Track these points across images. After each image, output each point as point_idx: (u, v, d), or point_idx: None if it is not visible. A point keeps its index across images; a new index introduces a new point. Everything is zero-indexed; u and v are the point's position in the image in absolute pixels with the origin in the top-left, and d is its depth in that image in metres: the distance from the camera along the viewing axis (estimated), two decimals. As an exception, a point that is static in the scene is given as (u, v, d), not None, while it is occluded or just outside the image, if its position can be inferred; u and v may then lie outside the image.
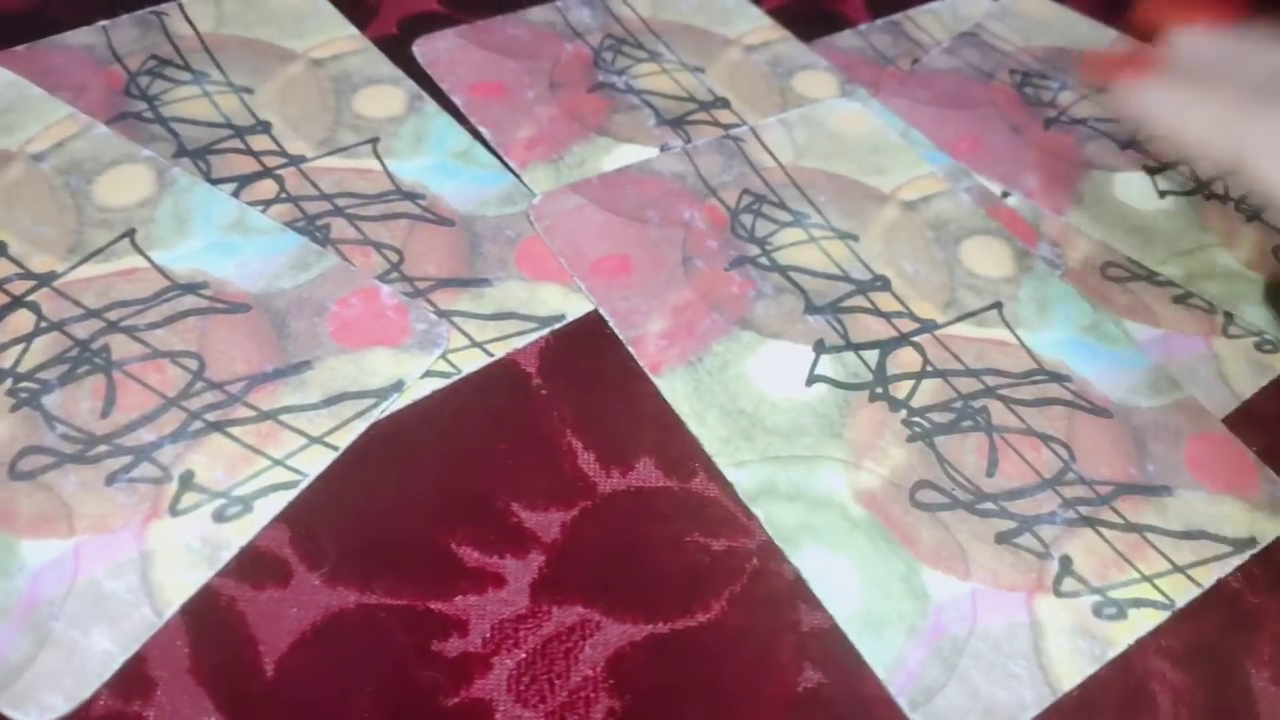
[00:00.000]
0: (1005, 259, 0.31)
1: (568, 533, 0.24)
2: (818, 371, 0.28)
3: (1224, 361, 0.30)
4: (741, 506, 0.25)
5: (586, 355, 0.27)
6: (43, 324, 0.25)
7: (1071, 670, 0.24)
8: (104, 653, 0.21)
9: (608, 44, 0.35)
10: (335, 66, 0.33)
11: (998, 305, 0.30)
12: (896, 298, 0.30)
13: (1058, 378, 0.29)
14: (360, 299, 0.27)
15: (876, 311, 0.29)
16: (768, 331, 0.28)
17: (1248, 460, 0.28)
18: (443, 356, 0.26)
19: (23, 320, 0.25)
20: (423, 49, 0.34)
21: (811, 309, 0.29)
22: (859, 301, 0.29)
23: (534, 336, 0.27)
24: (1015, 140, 0.35)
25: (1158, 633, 0.24)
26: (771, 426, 0.26)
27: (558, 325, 0.28)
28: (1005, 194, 0.30)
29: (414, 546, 0.23)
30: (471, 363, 0.26)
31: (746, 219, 0.31)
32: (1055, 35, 0.40)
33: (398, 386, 0.25)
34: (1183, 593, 0.25)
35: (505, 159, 0.31)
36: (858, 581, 0.24)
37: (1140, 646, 0.24)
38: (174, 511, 0.23)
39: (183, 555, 0.22)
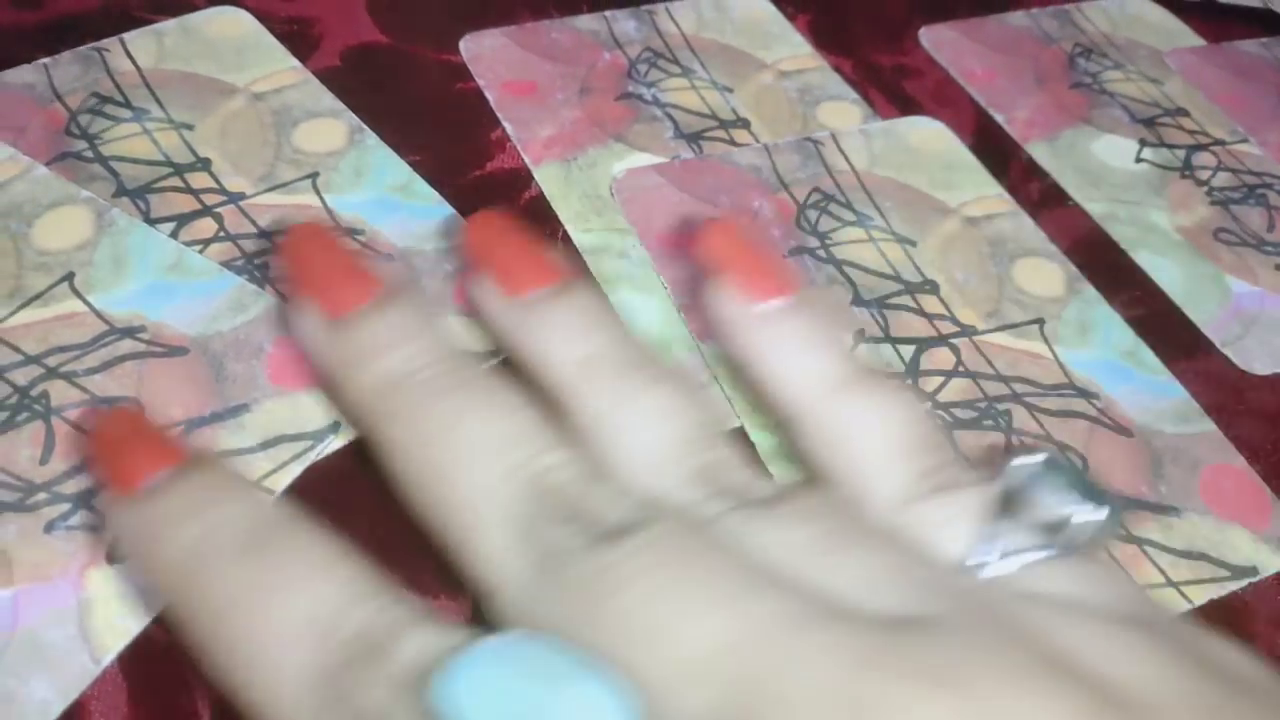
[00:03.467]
0: (1057, 281, 0.33)
1: None
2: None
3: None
4: None
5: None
6: None
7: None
8: (42, 701, 0.22)
9: (644, 56, 0.37)
10: (276, 100, 0.33)
11: (1040, 321, 0.31)
12: (942, 302, 0.31)
13: (1086, 394, 0.30)
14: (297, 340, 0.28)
15: (920, 311, 0.31)
16: (813, 316, 0.30)
17: (1264, 495, 0.28)
18: None
19: None
20: (468, 45, 0.37)
21: (859, 301, 0.31)
22: (905, 301, 0.31)
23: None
24: (1031, 86, 0.38)
25: None
26: (800, 399, 0.29)
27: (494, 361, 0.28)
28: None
29: None
30: None
31: (812, 214, 0.33)
32: (1145, 33, 0.42)
33: (334, 428, 0.26)
34: (1171, 607, 0.26)
35: (523, 155, 0.33)
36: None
37: None
38: (111, 559, 0.24)
39: (119, 603, 0.23)
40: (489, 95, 0.35)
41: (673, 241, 0.32)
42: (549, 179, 0.33)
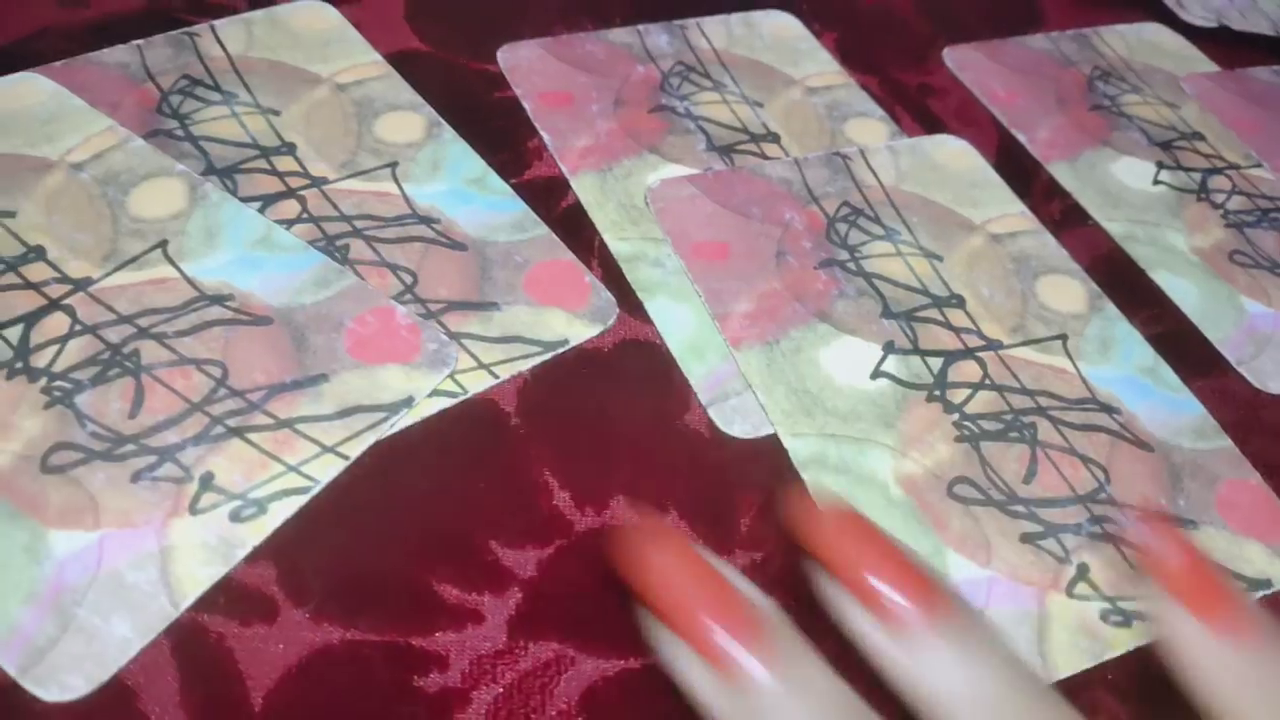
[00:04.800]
0: (1079, 298, 0.33)
1: (544, 570, 0.26)
2: (883, 368, 0.30)
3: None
4: (712, 543, 0.26)
5: (562, 395, 0.29)
6: (77, 327, 0.27)
7: (1068, 662, 0.26)
8: (123, 639, 0.23)
9: (677, 70, 0.38)
10: (358, 91, 0.35)
11: (1063, 337, 0.32)
12: (969, 316, 0.32)
13: (1108, 409, 0.31)
14: (376, 317, 0.29)
15: (947, 325, 0.32)
16: (844, 327, 0.31)
17: (1278, 511, 0.29)
18: (450, 376, 0.28)
19: (59, 323, 0.27)
20: (505, 55, 0.37)
21: (888, 314, 0.32)
22: (933, 314, 0.32)
23: (537, 360, 0.29)
24: (1052, 107, 0.40)
25: (1105, 666, 0.26)
26: (831, 408, 0.29)
27: (561, 350, 0.29)
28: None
29: (396, 583, 0.25)
30: (478, 383, 0.28)
31: (841, 227, 0.34)
32: (1161, 58, 0.43)
33: (408, 402, 0.27)
34: (1190, 615, 0.27)
35: (560, 164, 0.34)
36: (886, 551, 0.27)
37: (1086, 679, 0.26)
38: (194, 510, 0.25)
39: (200, 552, 0.24)
40: (526, 104, 0.36)
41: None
42: (586, 188, 0.34)
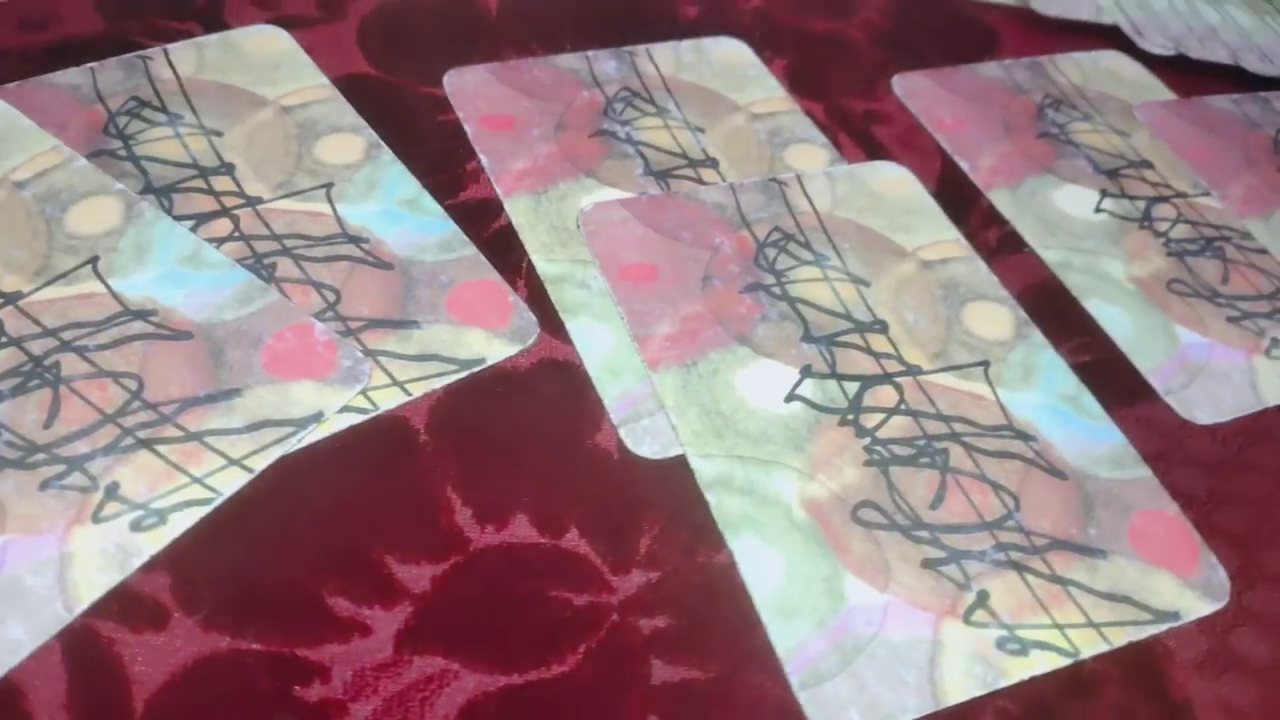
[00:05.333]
0: (1006, 325, 0.33)
1: (437, 585, 0.26)
2: (798, 392, 0.31)
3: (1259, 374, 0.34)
4: (609, 563, 0.27)
5: (474, 413, 0.29)
6: (2, 339, 0.28)
7: (958, 689, 0.26)
8: (15, 641, 0.24)
9: (621, 95, 0.39)
10: (303, 113, 0.36)
11: (985, 364, 0.32)
12: (890, 341, 0.32)
13: (1024, 436, 0.31)
14: (294, 334, 0.29)
15: (868, 350, 0.32)
16: (763, 350, 0.32)
17: (1192, 542, 0.29)
18: (363, 393, 0.29)
19: None
20: (451, 79, 0.38)
21: (808, 338, 0.32)
22: (854, 339, 0.32)
23: (452, 379, 0.29)
24: (999, 135, 0.40)
25: (998, 694, 0.26)
26: (742, 430, 0.30)
27: (477, 368, 0.30)
28: None
29: (288, 595, 0.25)
30: (390, 400, 0.29)
31: (770, 252, 0.34)
32: (1117, 86, 0.43)
33: (317, 417, 0.28)
34: (1089, 646, 0.27)
35: (496, 186, 0.35)
36: (783, 573, 0.27)
37: (978, 705, 0.26)
38: (96, 519, 0.26)
39: (98, 559, 0.25)
40: (467, 128, 0.37)
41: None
42: (518, 210, 0.34)
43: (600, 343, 0.31)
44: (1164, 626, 0.27)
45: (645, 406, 0.30)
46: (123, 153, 0.34)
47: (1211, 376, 0.34)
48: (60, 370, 0.28)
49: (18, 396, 0.27)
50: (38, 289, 0.30)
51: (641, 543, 0.27)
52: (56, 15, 0.38)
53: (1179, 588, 0.28)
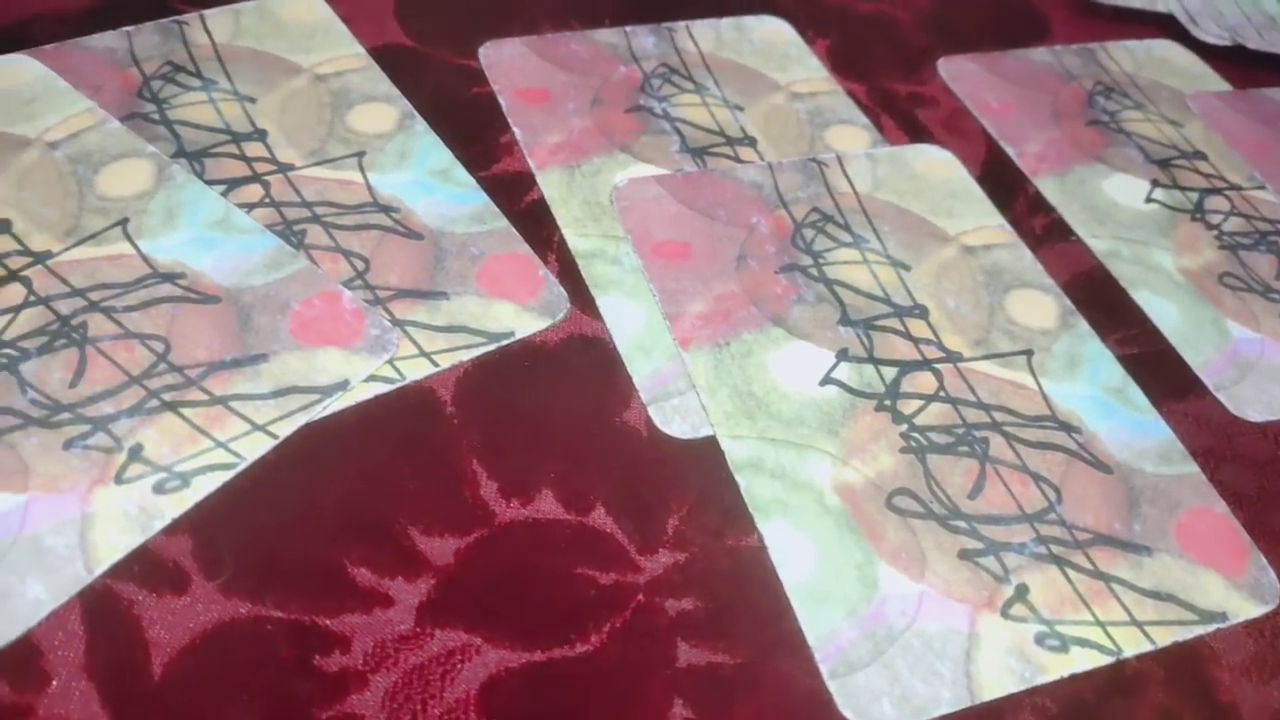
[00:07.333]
0: (1050, 314, 0.32)
1: (461, 559, 0.25)
2: (834, 375, 0.30)
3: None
4: (636, 542, 0.26)
5: (501, 386, 0.29)
6: (31, 298, 0.28)
7: (996, 684, 0.25)
8: (35, 600, 0.23)
9: (659, 71, 0.38)
10: (337, 82, 0.35)
11: (1028, 353, 0.31)
12: (930, 327, 0.31)
13: (1067, 428, 0.30)
14: (322, 301, 0.29)
15: (907, 335, 0.31)
16: (798, 332, 0.31)
17: (1241, 542, 0.28)
18: (389, 362, 0.28)
19: (14, 293, 0.28)
20: (487, 51, 0.38)
21: (845, 321, 0.31)
22: (893, 323, 0.31)
23: (480, 351, 0.29)
24: (1047, 121, 0.39)
25: (1036, 691, 0.25)
26: (775, 412, 0.29)
27: (505, 342, 0.29)
28: None
29: (309, 563, 0.25)
30: (417, 371, 0.28)
31: (808, 233, 0.33)
32: (1170, 75, 0.42)
33: (343, 385, 0.27)
34: (1132, 645, 0.26)
35: (529, 159, 0.34)
36: (814, 558, 0.26)
37: (1015, 701, 0.25)
38: (119, 480, 0.25)
39: (120, 520, 0.25)
40: (502, 100, 0.36)
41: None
42: (551, 183, 0.34)
43: (631, 320, 0.31)
44: (1210, 627, 0.26)
45: (675, 385, 0.29)
46: (156, 116, 0.33)
47: (1264, 373, 0.32)
48: (87, 330, 0.28)
49: (44, 355, 0.27)
50: (67, 249, 0.29)
51: (669, 523, 0.27)
52: (94, -22, 0.38)
53: (1226, 588, 0.27)
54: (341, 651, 0.24)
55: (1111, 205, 0.36)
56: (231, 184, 0.32)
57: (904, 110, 0.39)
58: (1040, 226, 0.36)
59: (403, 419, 0.28)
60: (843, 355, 0.30)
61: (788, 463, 0.28)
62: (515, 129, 0.35)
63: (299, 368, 0.28)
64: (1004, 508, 0.28)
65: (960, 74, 0.40)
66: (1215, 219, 0.37)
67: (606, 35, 0.39)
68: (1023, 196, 0.36)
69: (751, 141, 0.36)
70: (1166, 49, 0.44)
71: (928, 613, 0.26)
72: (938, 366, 0.31)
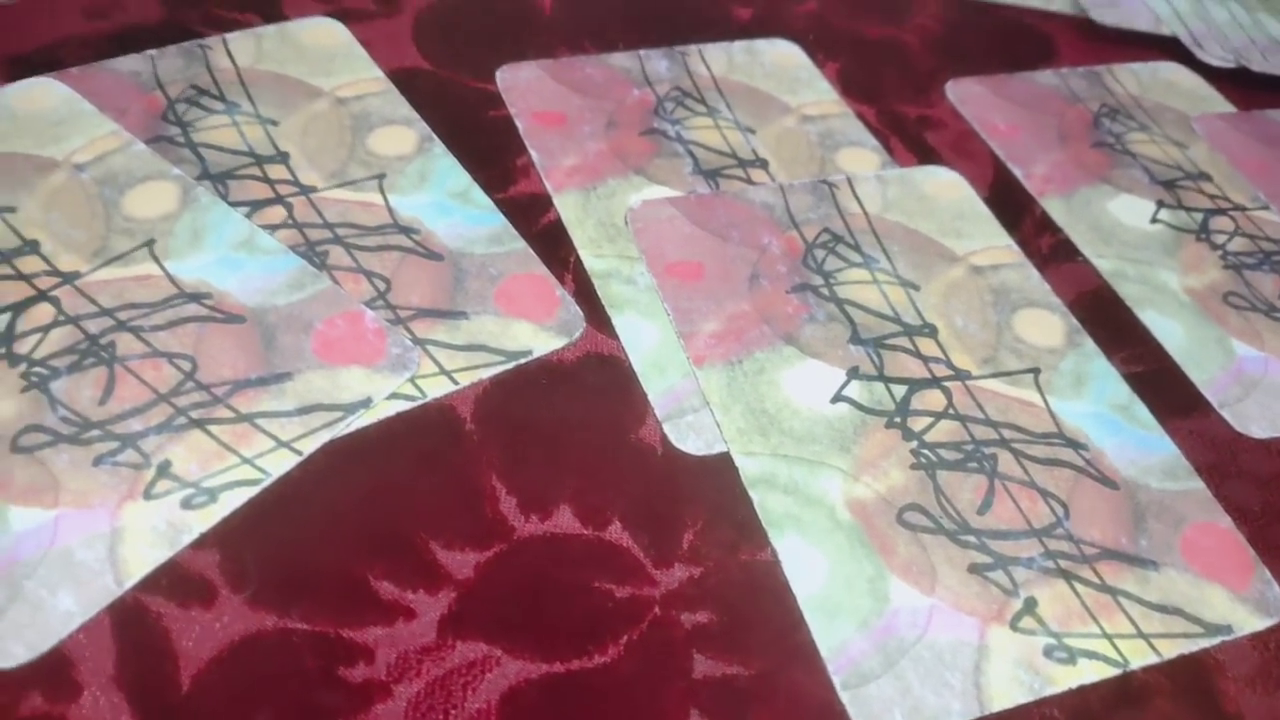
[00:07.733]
0: (1057, 333, 0.33)
1: (481, 572, 0.26)
2: (845, 393, 0.30)
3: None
4: (651, 556, 0.27)
5: (520, 404, 0.29)
6: (61, 317, 0.29)
7: (1005, 695, 0.25)
8: (66, 613, 0.24)
9: (672, 94, 0.39)
10: (358, 105, 0.36)
11: (1035, 370, 0.32)
12: (939, 345, 0.32)
13: (1074, 444, 0.30)
14: (345, 320, 0.30)
15: (916, 353, 0.32)
16: (809, 351, 0.31)
17: (1246, 556, 0.28)
18: (411, 380, 0.29)
19: (44, 312, 0.29)
20: (504, 75, 0.38)
21: (856, 339, 0.32)
22: (902, 342, 0.32)
23: (498, 369, 0.30)
24: (1053, 143, 0.39)
25: (1045, 702, 0.25)
26: (787, 429, 0.29)
27: (523, 360, 0.30)
28: None
29: (333, 576, 0.26)
30: (437, 389, 0.29)
31: (819, 253, 0.34)
32: (1175, 97, 0.43)
33: (365, 403, 0.28)
34: (1139, 657, 0.26)
35: (545, 181, 0.35)
36: (826, 572, 0.27)
37: (1024, 712, 0.25)
38: (148, 495, 0.26)
39: (149, 535, 0.25)
40: (519, 123, 0.37)
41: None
42: (568, 205, 0.34)
43: (646, 338, 0.31)
44: (1216, 640, 0.27)
45: (690, 403, 0.30)
46: (180, 139, 0.34)
47: (1267, 391, 0.33)
48: (116, 349, 0.28)
49: (74, 374, 0.28)
50: (95, 269, 0.30)
51: (684, 538, 0.27)
52: (119, 3, 0.39)
53: (1231, 602, 0.28)
54: (365, 663, 0.24)
55: (1117, 225, 0.37)
56: (255, 206, 0.33)
57: (913, 133, 0.40)
58: (1047, 246, 0.36)
59: (424, 436, 0.28)
60: (853, 373, 0.31)
61: (800, 479, 0.28)
62: (532, 151, 0.36)
63: (323, 386, 0.28)
64: (1012, 523, 0.28)
65: (968, 97, 0.41)
66: (1220, 239, 0.37)
67: (621, 59, 0.40)
68: (1030, 217, 0.37)
69: (763, 163, 0.37)
70: (1171, 71, 0.44)
71: (938, 625, 0.26)
72: (947, 384, 0.31)
